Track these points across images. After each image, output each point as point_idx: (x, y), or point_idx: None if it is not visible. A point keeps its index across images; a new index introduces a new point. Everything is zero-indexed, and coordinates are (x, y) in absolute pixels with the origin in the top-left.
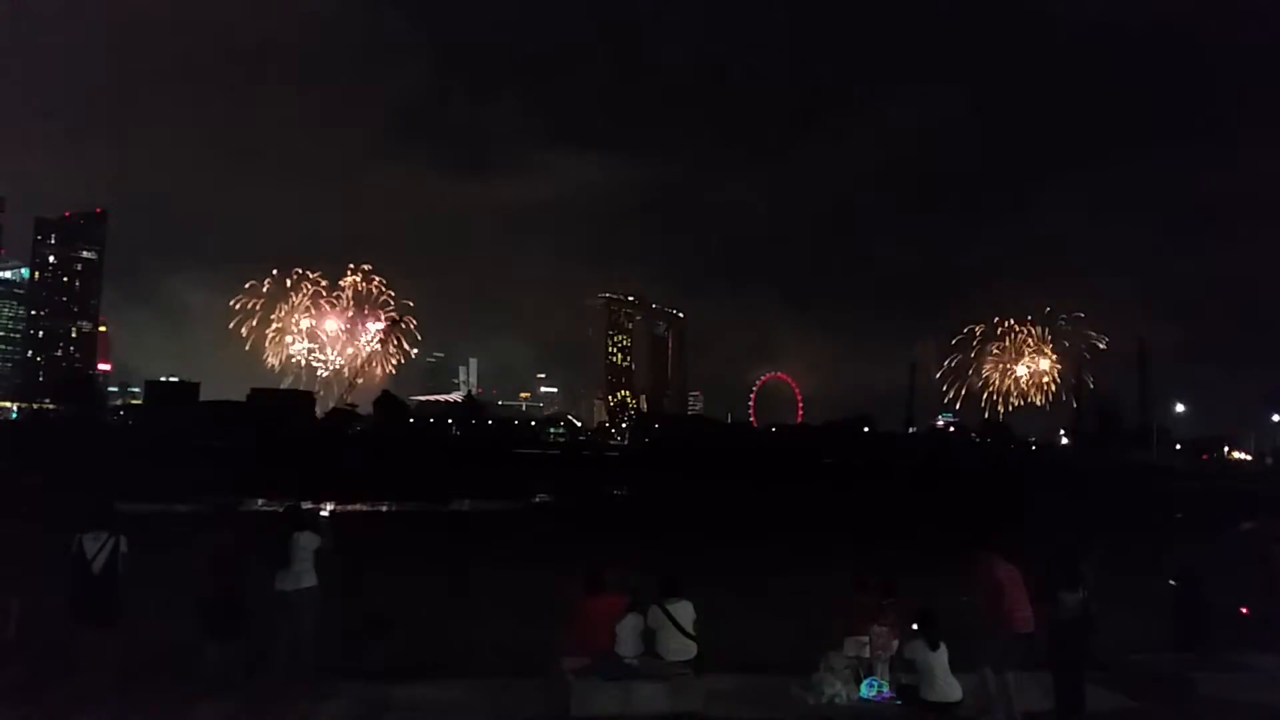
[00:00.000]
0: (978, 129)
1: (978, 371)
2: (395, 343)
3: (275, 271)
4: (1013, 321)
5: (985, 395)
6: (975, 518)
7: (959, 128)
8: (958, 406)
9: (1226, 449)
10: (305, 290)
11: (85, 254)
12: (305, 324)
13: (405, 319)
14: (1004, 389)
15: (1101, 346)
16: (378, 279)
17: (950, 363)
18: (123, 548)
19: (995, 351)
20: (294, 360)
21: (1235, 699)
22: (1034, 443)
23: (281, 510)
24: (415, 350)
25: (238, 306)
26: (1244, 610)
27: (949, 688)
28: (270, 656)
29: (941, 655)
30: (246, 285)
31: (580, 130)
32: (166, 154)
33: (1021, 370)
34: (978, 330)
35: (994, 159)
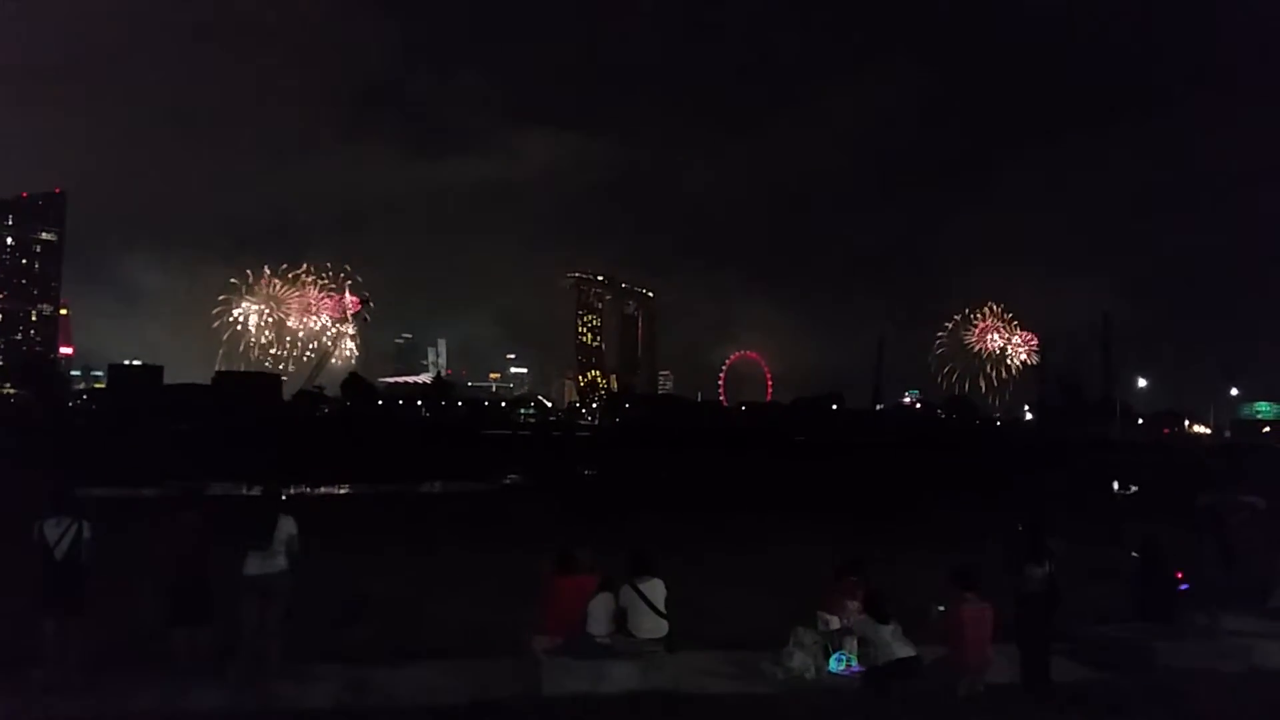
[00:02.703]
0: (943, 108)
1: (945, 349)
2: (360, 323)
3: (245, 272)
4: (978, 309)
5: (948, 373)
6: (938, 493)
7: (925, 106)
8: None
9: (1187, 423)
10: (267, 279)
11: (45, 235)
12: (264, 315)
13: (361, 302)
14: (968, 366)
15: (1025, 344)
16: (339, 267)
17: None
18: (86, 533)
19: (957, 328)
20: (253, 343)
21: (1195, 667)
22: (998, 418)
23: (260, 492)
24: (353, 330)
25: (191, 292)
26: (1181, 580)
27: (901, 647)
28: (242, 641)
29: (891, 629)
30: (199, 270)
31: (545, 109)
32: (123, 133)
33: (981, 346)
34: (944, 315)
35: (959, 138)
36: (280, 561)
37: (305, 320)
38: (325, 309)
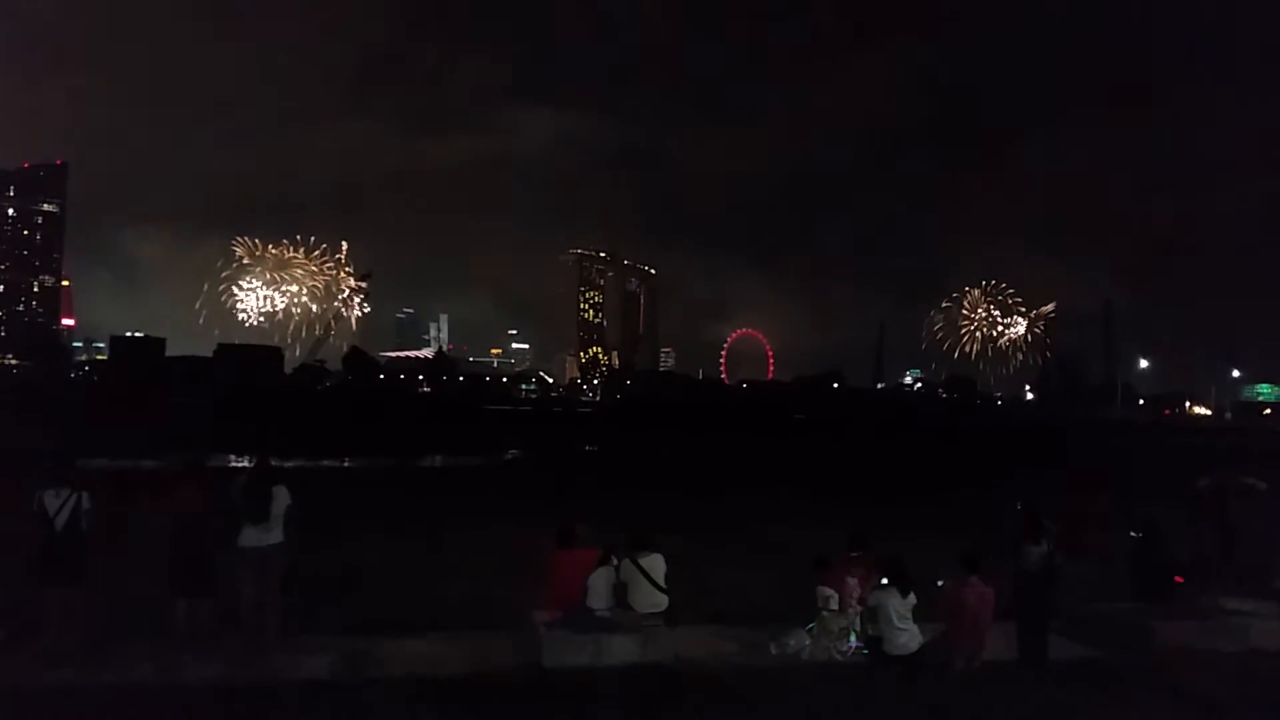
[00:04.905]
0: (945, 87)
1: (945, 329)
2: (360, 300)
3: (241, 242)
4: (980, 287)
5: (945, 350)
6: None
7: (927, 85)
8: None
9: (1188, 404)
10: (268, 254)
11: (46, 207)
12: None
13: (354, 281)
14: (969, 347)
15: (1047, 308)
16: (338, 242)
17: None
18: (85, 504)
19: (958, 308)
20: (253, 319)
21: (1191, 646)
22: (999, 399)
23: (253, 465)
24: (368, 309)
25: (191, 265)
26: (1180, 562)
27: (910, 639)
28: (239, 613)
29: (908, 604)
30: (199, 244)
31: (546, 87)
32: (125, 105)
33: (981, 324)
34: (944, 294)
35: (961, 117)
36: (277, 534)
37: (304, 294)
38: (324, 283)
